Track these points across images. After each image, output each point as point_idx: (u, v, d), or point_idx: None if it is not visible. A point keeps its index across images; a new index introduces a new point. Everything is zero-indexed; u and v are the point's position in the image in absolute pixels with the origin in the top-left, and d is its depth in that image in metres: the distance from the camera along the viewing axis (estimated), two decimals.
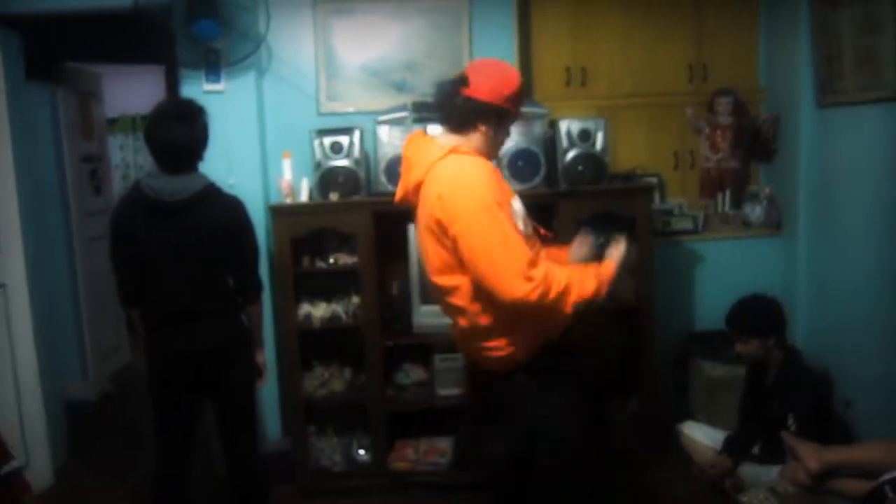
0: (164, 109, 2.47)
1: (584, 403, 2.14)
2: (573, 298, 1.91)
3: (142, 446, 3.80)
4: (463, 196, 1.90)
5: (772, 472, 2.83)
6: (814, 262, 3.58)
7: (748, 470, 2.93)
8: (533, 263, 1.87)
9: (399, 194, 2.15)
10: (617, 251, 2.12)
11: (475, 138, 2.02)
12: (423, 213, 2.02)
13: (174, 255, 2.42)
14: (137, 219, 2.42)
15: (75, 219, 4.51)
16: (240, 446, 2.61)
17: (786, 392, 2.94)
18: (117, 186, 5.96)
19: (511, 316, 1.96)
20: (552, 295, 1.86)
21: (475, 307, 2.00)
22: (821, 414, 3.01)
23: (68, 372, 4.29)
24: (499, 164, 2.92)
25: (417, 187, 2.04)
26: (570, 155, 3.15)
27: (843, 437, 3.12)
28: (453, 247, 1.93)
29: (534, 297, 1.84)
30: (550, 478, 2.09)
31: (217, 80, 3.30)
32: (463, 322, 2.07)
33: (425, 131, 2.19)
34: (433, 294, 2.22)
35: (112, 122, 6.21)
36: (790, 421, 2.88)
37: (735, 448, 3.04)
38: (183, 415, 2.56)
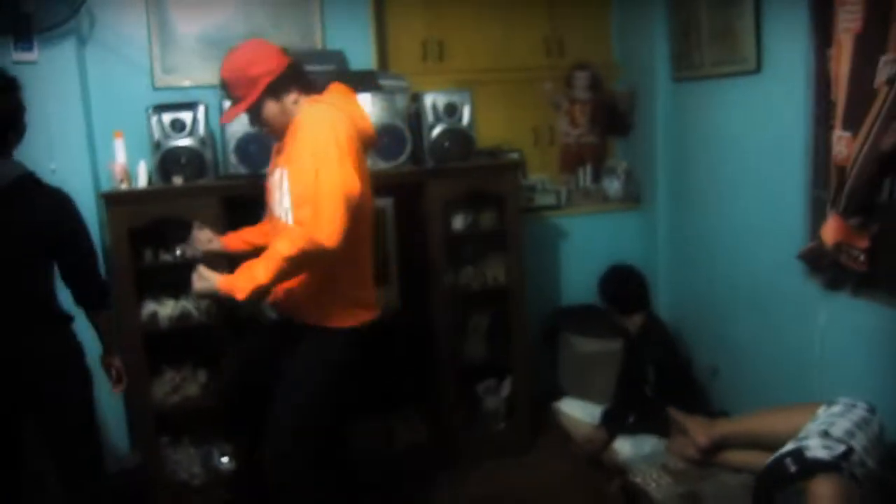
0: None
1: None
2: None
3: None
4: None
5: (645, 443, 2.86)
6: (673, 234, 3.65)
7: (623, 446, 2.93)
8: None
9: None
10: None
11: None
12: None
13: None
14: None
15: None
16: (76, 473, 2.26)
17: (647, 345, 3.08)
18: None
19: None
20: None
21: None
22: (678, 368, 3.15)
23: None
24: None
25: None
26: (437, 130, 2.99)
27: (703, 403, 3.21)
28: None
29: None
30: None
31: (29, 49, 2.84)
32: None
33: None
34: None
35: None
36: (649, 373, 2.99)
37: (611, 420, 3.04)
38: (5, 443, 2.20)
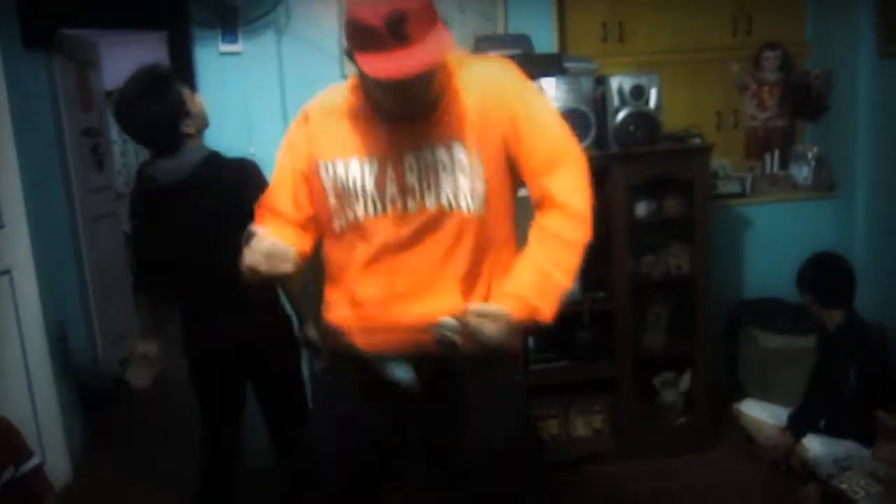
0: (127, 89, 2.19)
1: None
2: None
3: (163, 438, 3.63)
4: None
5: (839, 446, 2.65)
6: (873, 226, 3.37)
7: (813, 443, 2.74)
8: (261, 215, 1.69)
9: None
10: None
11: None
12: None
13: (187, 242, 2.24)
14: (148, 207, 2.27)
15: (78, 196, 4.23)
16: (288, 430, 2.43)
17: (848, 345, 2.78)
18: (117, 163, 5.68)
19: None
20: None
21: None
22: (883, 373, 2.84)
23: (78, 359, 4.06)
24: None
25: None
26: (622, 114, 2.90)
27: None
28: None
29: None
30: None
31: (234, 41, 3.03)
32: None
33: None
34: None
35: (109, 95, 5.90)
36: (850, 375, 2.72)
37: (800, 423, 2.84)
38: (229, 397, 2.42)
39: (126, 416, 4.00)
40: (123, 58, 5.78)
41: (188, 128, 2.21)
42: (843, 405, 2.77)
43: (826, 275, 2.89)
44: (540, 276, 1.52)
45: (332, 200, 1.61)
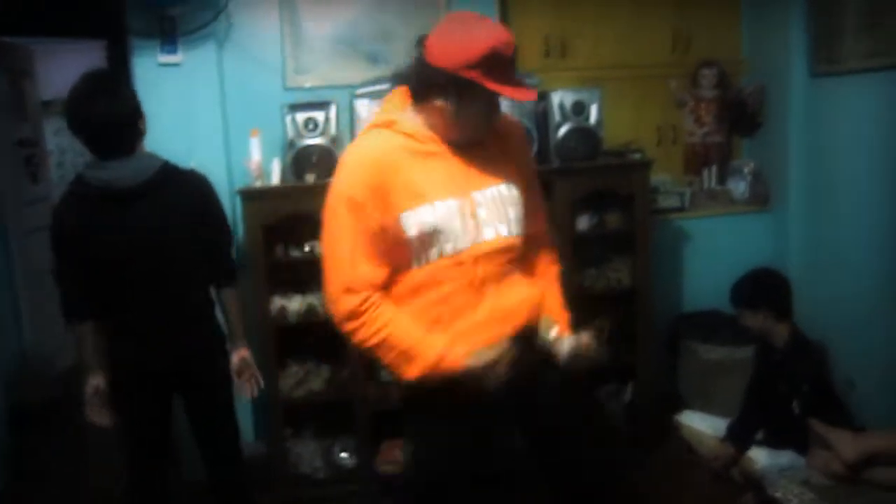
0: (80, 86, 2.11)
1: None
2: (392, 361, 1.70)
3: (95, 459, 3.51)
4: (331, 186, 1.71)
5: (782, 457, 2.71)
6: (807, 238, 3.46)
7: (759, 455, 2.79)
8: (350, 290, 1.67)
9: None
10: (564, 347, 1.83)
11: (431, 113, 1.67)
12: None
13: (139, 251, 2.14)
14: (88, 216, 2.11)
15: (11, 209, 4.10)
16: (223, 447, 2.38)
17: (791, 368, 2.82)
18: (53, 174, 5.52)
19: None
20: (367, 342, 1.69)
21: None
22: (825, 391, 2.92)
23: (8, 377, 3.91)
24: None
25: None
26: (564, 129, 2.94)
27: (847, 418, 3.02)
28: None
29: (346, 327, 1.70)
30: None
31: (174, 52, 2.98)
32: None
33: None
34: None
35: (46, 105, 5.74)
36: (803, 389, 2.77)
37: (738, 435, 2.90)
38: (156, 419, 2.30)
39: (57, 436, 3.86)
40: (60, 67, 5.66)
41: (143, 129, 2.17)
42: (789, 417, 2.81)
43: (780, 288, 2.94)
44: (556, 307, 1.93)
45: (415, 244, 1.68)
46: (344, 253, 1.67)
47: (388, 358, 1.70)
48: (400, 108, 1.73)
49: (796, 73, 3.39)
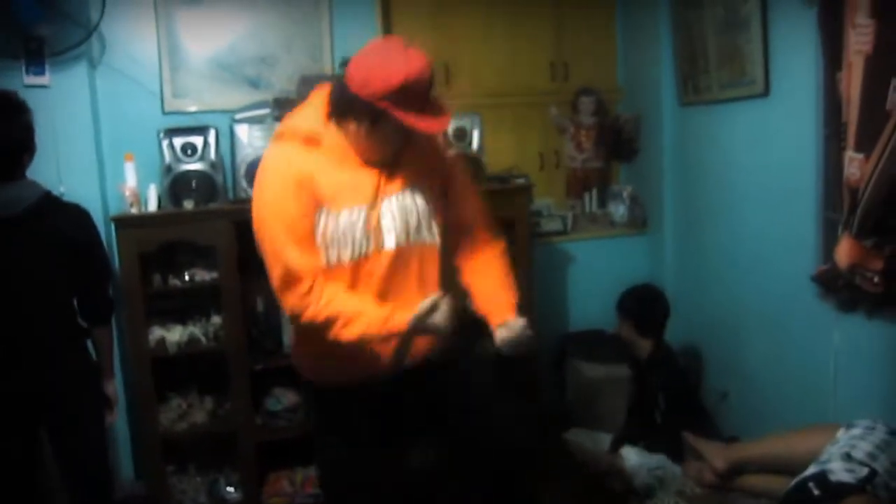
0: None
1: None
2: (340, 332, 1.76)
3: None
4: (255, 193, 1.79)
5: (652, 458, 2.82)
6: (681, 258, 3.64)
7: (630, 454, 2.89)
8: (295, 277, 1.74)
9: None
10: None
11: (347, 132, 1.76)
12: None
13: (11, 280, 2.05)
14: None
15: None
16: (89, 492, 2.26)
17: (650, 379, 3.02)
18: None
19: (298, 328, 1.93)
20: (318, 316, 1.75)
21: None
22: (688, 395, 3.12)
23: None
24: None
25: None
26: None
27: (714, 429, 3.18)
28: None
29: (295, 310, 1.76)
30: None
31: (41, 73, 2.85)
32: None
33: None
34: None
35: None
36: (660, 399, 2.94)
37: (618, 444, 3.00)
38: (19, 461, 2.16)
39: None
40: None
41: (29, 161, 2.10)
42: (658, 428, 2.95)
43: (647, 304, 3.11)
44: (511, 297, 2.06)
45: (321, 246, 1.78)
46: (281, 244, 1.73)
47: (338, 329, 1.75)
48: (322, 115, 1.79)
49: (666, 103, 3.58)
